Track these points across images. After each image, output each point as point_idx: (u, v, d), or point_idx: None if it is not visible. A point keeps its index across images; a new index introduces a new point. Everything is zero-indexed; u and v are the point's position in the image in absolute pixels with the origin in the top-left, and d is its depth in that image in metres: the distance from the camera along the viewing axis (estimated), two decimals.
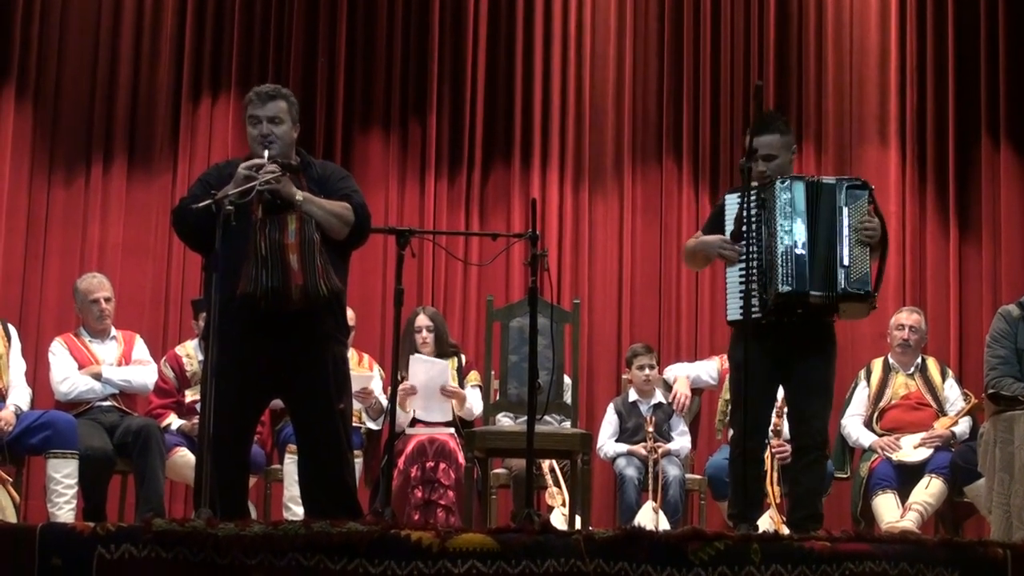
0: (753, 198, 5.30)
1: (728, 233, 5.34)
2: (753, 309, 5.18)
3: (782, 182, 5.31)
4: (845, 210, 5.33)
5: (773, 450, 6.70)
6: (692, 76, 8.70)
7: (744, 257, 5.19)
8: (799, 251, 5.26)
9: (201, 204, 4.65)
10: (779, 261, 5.24)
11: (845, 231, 5.31)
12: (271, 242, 4.81)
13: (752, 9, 8.73)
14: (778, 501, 6.61)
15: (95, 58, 8.45)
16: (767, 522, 6.52)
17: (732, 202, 5.40)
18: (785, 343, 5.33)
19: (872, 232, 5.33)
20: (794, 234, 5.28)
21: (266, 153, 4.89)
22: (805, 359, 5.37)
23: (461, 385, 7.21)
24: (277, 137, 5.00)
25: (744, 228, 5.10)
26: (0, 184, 8.14)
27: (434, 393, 7.08)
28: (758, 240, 5.25)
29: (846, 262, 5.28)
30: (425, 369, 7.06)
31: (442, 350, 7.27)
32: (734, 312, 5.32)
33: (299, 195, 4.90)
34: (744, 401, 5.13)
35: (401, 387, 6.96)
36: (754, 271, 5.18)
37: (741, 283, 5.21)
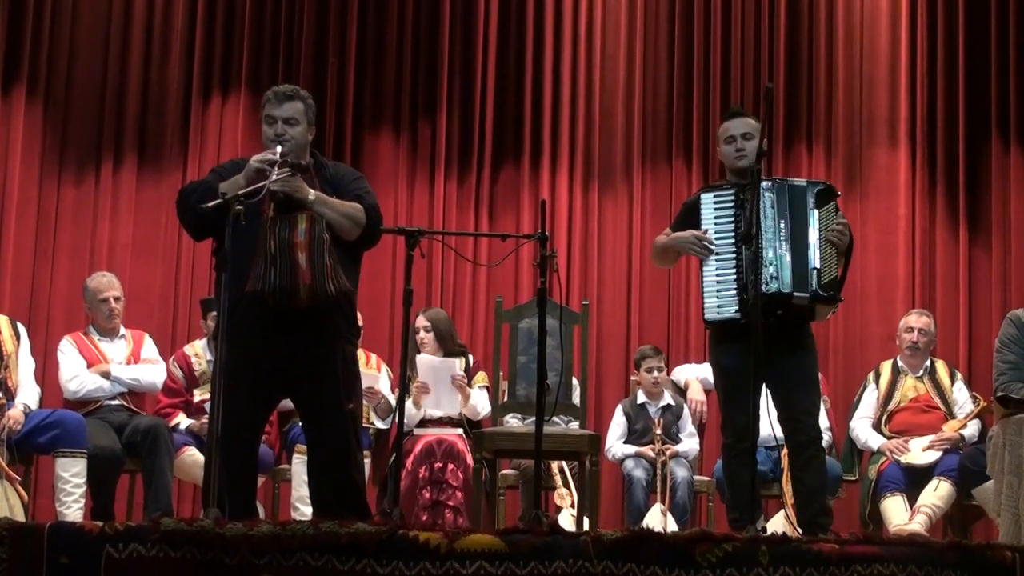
0: (732, 198, 5.32)
1: (705, 231, 5.35)
2: (734, 309, 5.20)
3: (766, 183, 5.30)
4: (816, 212, 5.34)
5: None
6: (702, 77, 8.70)
7: (722, 258, 5.25)
8: (782, 252, 5.26)
9: (210, 204, 4.65)
10: (763, 262, 5.23)
11: (816, 234, 5.32)
12: (281, 240, 4.83)
13: (762, 10, 8.73)
14: (792, 502, 6.59)
15: (105, 57, 8.47)
16: (781, 523, 6.51)
17: (708, 201, 5.40)
18: (766, 343, 5.28)
19: (843, 235, 5.34)
20: (777, 235, 5.27)
21: (278, 148, 4.90)
22: (788, 356, 5.33)
23: (468, 386, 7.20)
24: (291, 138, 5.01)
25: (754, 230, 5.08)
26: (11, 183, 8.17)
27: (445, 387, 7.08)
28: (736, 240, 5.26)
29: (817, 264, 5.29)
30: (433, 367, 7.06)
31: (448, 350, 7.26)
32: (711, 312, 5.33)
33: (311, 195, 4.92)
34: (751, 403, 5.09)
35: (416, 384, 6.99)
36: (734, 271, 5.22)
37: (718, 282, 5.25)
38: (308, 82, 8.24)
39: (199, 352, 7.17)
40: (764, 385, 5.27)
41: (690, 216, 5.47)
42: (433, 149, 8.60)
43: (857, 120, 8.68)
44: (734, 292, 5.25)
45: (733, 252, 5.29)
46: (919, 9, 8.64)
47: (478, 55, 8.68)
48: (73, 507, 6.49)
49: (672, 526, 6.58)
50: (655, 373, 7.22)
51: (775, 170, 8.30)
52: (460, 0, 8.72)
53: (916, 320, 7.37)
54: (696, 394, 7.34)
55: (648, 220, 8.62)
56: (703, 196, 5.44)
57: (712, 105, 8.66)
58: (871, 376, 7.45)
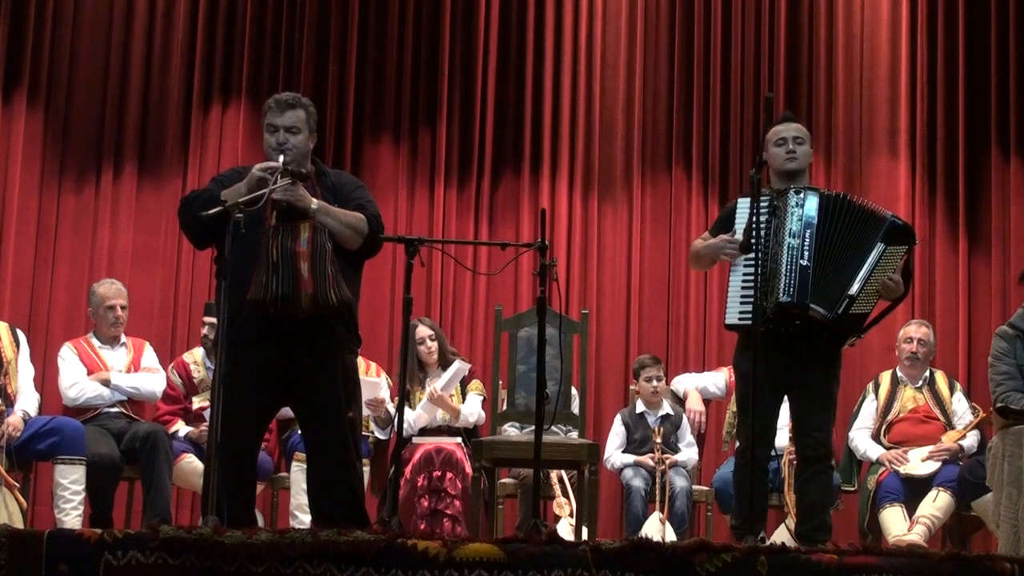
0: (766, 205, 5.31)
1: (733, 233, 5.35)
2: (752, 315, 5.20)
3: (796, 193, 5.32)
4: (880, 246, 5.31)
5: (790, 457, 6.68)
6: (702, 86, 8.70)
7: (748, 264, 5.22)
8: (803, 263, 5.24)
9: (211, 212, 4.65)
10: (782, 271, 5.23)
11: (868, 265, 5.29)
12: (283, 249, 4.82)
13: (763, 20, 8.73)
14: (794, 511, 6.59)
15: (106, 65, 8.48)
16: (784, 533, 6.50)
17: (744, 206, 5.40)
18: (790, 354, 5.32)
19: (890, 290, 5.33)
20: (801, 245, 5.26)
21: (281, 158, 4.90)
22: (809, 371, 5.36)
23: (464, 393, 7.22)
24: (293, 146, 5.01)
25: (753, 240, 5.09)
26: (11, 190, 8.18)
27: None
28: (765, 248, 5.25)
29: (853, 292, 5.27)
30: (456, 376, 7.09)
31: (445, 359, 7.27)
32: (732, 316, 5.33)
33: (314, 204, 4.92)
34: (751, 411, 5.10)
35: (439, 389, 7.00)
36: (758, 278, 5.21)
37: (742, 289, 5.24)
38: (308, 90, 8.23)
39: (198, 359, 7.17)
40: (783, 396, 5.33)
41: (727, 221, 5.50)
42: (433, 157, 8.61)
43: (857, 130, 8.68)
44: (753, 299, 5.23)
45: (760, 260, 5.27)
46: (919, 19, 8.64)
47: (478, 63, 8.68)
48: (72, 514, 6.49)
49: (671, 535, 6.58)
50: (654, 383, 7.21)
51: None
52: (460, 9, 8.73)
53: (915, 330, 7.36)
54: (695, 404, 7.34)
55: (648, 229, 8.62)
56: (740, 201, 5.46)
57: (712, 115, 8.67)
58: (870, 386, 7.45)
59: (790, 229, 5.26)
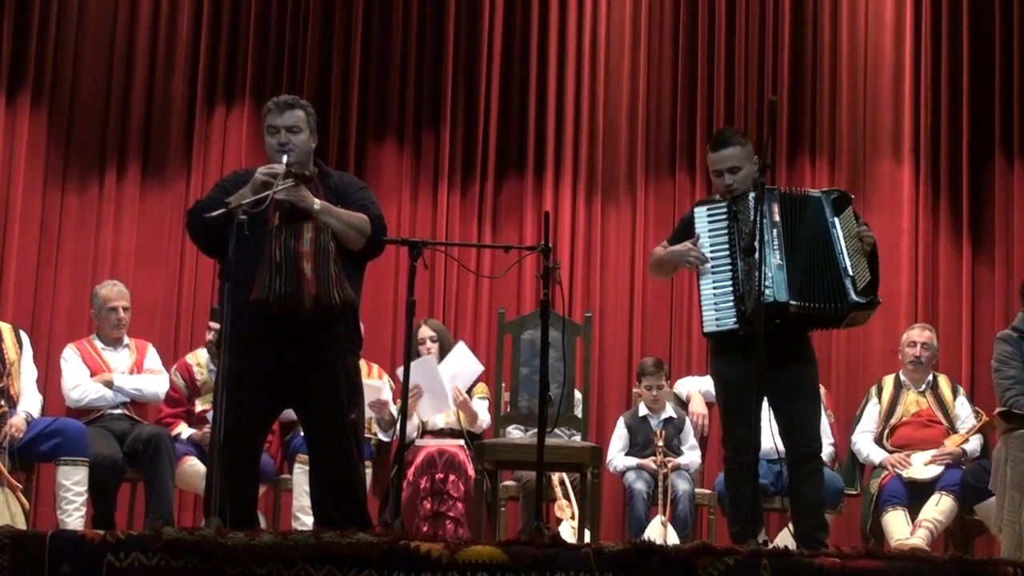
0: (725, 211, 5.32)
1: (702, 245, 5.34)
2: (732, 321, 5.19)
3: (754, 195, 5.28)
4: (837, 221, 5.33)
5: None
6: (706, 90, 8.70)
7: (717, 270, 5.26)
8: (777, 262, 5.24)
9: (215, 213, 4.66)
10: (758, 272, 5.19)
11: (842, 242, 5.31)
12: (286, 249, 4.83)
13: (767, 25, 8.73)
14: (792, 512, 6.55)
15: (110, 66, 8.49)
16: (787, 537, 6.48)
17: (702, 214, 5.41)
18: (769, 355, 5.24)
19: (865, 242, 5.35)
20: (772, 245, 5.25)
21: (284, 159, 4.91)
22: (788, 367, 5.29)
23: (469, 396, 7.20)
24: (295, 146, 5.02)
25: (756, 243, 5.07)
26: (14, 190, 8.18)
27: (437, 390, 7.02)
28: (731, 252, 5.26)
29: (851, 272, 5.28)
30: (421, 370, 7.01)
31: None
32: (710, 324, 5.32)
33: (317, 204, 4.92)
34: (754, 414, 5.06)
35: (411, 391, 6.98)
36: (730, 283, 5.21)
37: (715, 295, 5.24)
38: (312, 92, 8.25)
39: (201, 361, 7.17)
40: (765, 397, 5.27)
41: (686, 230, 5.49)
42: (437, 160, 8.61)
43: (861, 133, 8.67)
44: (731, 304, 5.25)
45: (728, 264, 5.29)
46: (923, 23, 8.63)
47: (482, 66, 8.68)
48: (74, 515, 6.49)
49: (673, 539, 6.57)
50: (654, 392, 7.19)
51: (778, 183, 8.28)
52: (464, 11, 8.74)
53: (919, 334, 7.36)
54: (698, 407, 7.33)
55: (651, 232, 8.60)
56: (696, 209, 5.46)
57: (716, 117, 8.66)
58: (873, 390, 7.44)
59: (758, 231, 5.21)
